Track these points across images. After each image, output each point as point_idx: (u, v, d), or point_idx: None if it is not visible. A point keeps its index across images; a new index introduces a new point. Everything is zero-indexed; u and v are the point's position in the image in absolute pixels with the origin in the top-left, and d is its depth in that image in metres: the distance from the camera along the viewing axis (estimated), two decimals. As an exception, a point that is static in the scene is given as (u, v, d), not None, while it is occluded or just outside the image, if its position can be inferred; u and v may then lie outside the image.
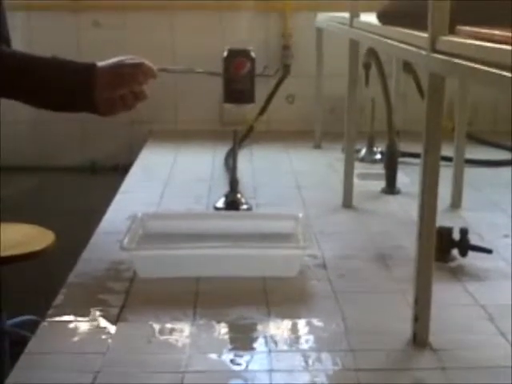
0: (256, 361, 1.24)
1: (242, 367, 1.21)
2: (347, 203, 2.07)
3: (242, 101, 1.87)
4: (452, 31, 1.19)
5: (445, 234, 1.60)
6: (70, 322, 1.36)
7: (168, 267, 1.54)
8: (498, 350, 1.27)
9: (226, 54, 1.86)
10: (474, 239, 1.65)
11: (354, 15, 1.97)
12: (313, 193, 2.21)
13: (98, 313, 1.39)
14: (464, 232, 1.63)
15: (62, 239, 2.53)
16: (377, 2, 1.74)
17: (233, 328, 1.35)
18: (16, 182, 3.08)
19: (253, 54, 1.85)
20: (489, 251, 1.63)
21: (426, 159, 1.23)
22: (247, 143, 2.80)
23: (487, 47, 1.01)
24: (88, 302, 1.44)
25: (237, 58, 1.83)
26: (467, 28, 1.14)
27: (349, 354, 1.24)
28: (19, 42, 1.75)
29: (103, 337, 1.31)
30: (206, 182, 2.32)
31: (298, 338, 1.31)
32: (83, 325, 1.35)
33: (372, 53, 2.31)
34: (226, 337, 1.32)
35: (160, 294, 1.48)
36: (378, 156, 2.58)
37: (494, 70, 0.96)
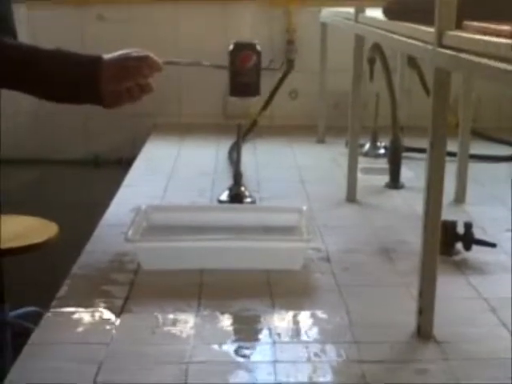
0: (260, 352, 1.24)
1: (246, 358, 1.21)
2: (351, 197, 2.07)
3: (248, 94, 1.87)
4: (459, 26, 1.19)
5: (449, 227, 1.61)
6: (74, 313, 1.37)
7: (172, 259, 1.55)
8: (501, 342, 1.27)
9: (232, 47, 1.85)
10: (477, 233, 1.66)
11: (360, 10, 1.97)
12: (316, 187, 2.22)
13: (101, 304, 1.40)
14: (468, 226, 1.63)
15: (64, 232, 2.54)
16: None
17: (237, 319, 1.35)
18: (19, 175, 3.08)
19: (259, 48, 1.85)
20: (493, 245, 1.64)
21: (431, 153, 1.23)
22: (251, 137, 2.80)
23: (495, 42, 1.00)
24: (92, 294, 1.44)
25: (243, 51, 1.83)
26: (475, 23, 1.14)
27: (353, 346, 1.25)
28: (23, 36, 1.75)
29: (107, 328, 1.31)
30: (210, 175, 2.32)
31: (301, 329, 1.31)
32: (87, 316, 1.36)
33: (377, 48, 2.31)
34: (230, 328, 1.33)
35: (164, 285, 1.49)
36: (382, 151, 2.58)
37: (500, 65, 0.96)
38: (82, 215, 2.67)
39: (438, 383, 1.15)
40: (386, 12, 1.70)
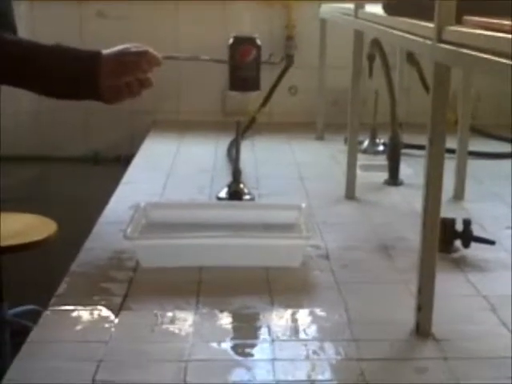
0: (259, 350, 1.24)
1: (245, 356, 1.21)
2: (350, 194, 2.07)
3: (248, 88, 1.87)
4: (459, 21, 1.18)
5: (448, 224, 1.60)
6: (73, 310, 1.37)
7: (171, 257, 1.54)
8: (500, 340, 1.27)
9: (231, 41, 1.85)
10: (476, 230, 1.65)
11: (359, 6, 1.97)
12: (315, 184, 2.21)
13: (100, 302, 1.39)
14: (467, 223, 1.63)
15: (63, 230, 2.54)
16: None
17: (236, 317, 1.35)
18: (18, 172, 3.08)
19: (258, 42, 1.85)
20: (492, 242, 1.64)
21: (430, 150, 1.23)
22: (249, 134, 2.79)
23: (495, 37, 1.00)
24: (91, 291, 1.44)
25: (243, 45, 1.83)
26: (474, 18, 1.14)
27: (352, 344, 1.24)
28: (23, 32, 1.74)
29: (106, 325, 1.31)
30: (209, 172, 2.31)
31: (300, 327, 1.31)
32: (86, 314, 1.35)
33: (376, 44, 2.31)
34: (229, 326, 1.33)
35: (163, 283, 1.48)
36: (381, 147, 2.58)
37: (500, 60, 0.95)
38: (80, 212, 2.67)
39: (437, 381, 1.15)
40: (386, 7, 1.70)
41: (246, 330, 1.31)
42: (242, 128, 2.41)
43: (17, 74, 1.53)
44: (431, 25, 1.23)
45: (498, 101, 3.06)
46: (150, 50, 1.58)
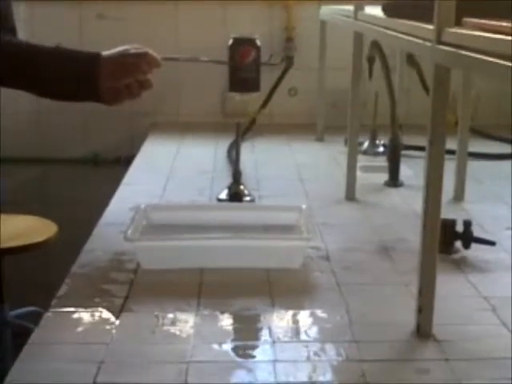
0: (260, 351, 1.24)
1: (246, 358, 1.21)
2: (350, 196, 2.07)
3: (248, 89, 1.87)
4: (458, 23, 1.18)
5: (448, 226, 1.61)
6: (74, 312, 1.37)
7: (171, 258, 1.55)
8: (501, 341, 1.27)
9: (231, 42, 1.85)
10: (476, 231, 1.66)
11: (359, 8, 1.97)
12: (315, 185, 2.21)
13: (101, 303, 1.39)
14: (467, 224, 1.63)
15: (64, 231, 2.54)
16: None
17: (237, 319, 1.35)
18: (18, 173, 3.08)
19: (258, 42, 1.85)
20: (492, 243, 1.64)
21: (430, 151, 1.23)
22: (249, 136, 2.79)
23: (494, 38, 1.00)
24: (92, 293, 1.44)
25: (242, 46, 1.83)
26: (474, 20, 1.14)
27: (353, 345, 1.25)
28: (22, 33, 1.75)
29: (107, 327, 1.31)
30: (209, 173, 2.32)
31: (301, 328, 1.31)
32: (87, 315, 1.35)
33: (376, 46, 2.31)
34: (230, 327, 1.33)
35: (164, 284, 1.48)
36: (381, 149, 2.58)
37: (500, 62, 0.96)
38: (80, 214, 2.67)
39: (438, 382, 1.15)
40: (386, 9, 1.70)
41: (247, 332, 1.31)
42: (242, 129, 2.41)
43: (17, 75, 1.53)
44: (431, 26, 1.23)
45: (497, 102, 3.06)
46: (150, 51, 1.58)
